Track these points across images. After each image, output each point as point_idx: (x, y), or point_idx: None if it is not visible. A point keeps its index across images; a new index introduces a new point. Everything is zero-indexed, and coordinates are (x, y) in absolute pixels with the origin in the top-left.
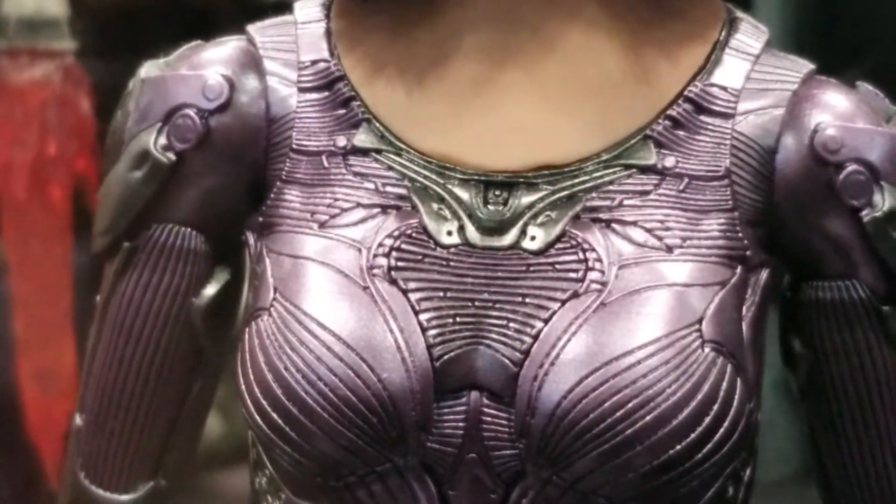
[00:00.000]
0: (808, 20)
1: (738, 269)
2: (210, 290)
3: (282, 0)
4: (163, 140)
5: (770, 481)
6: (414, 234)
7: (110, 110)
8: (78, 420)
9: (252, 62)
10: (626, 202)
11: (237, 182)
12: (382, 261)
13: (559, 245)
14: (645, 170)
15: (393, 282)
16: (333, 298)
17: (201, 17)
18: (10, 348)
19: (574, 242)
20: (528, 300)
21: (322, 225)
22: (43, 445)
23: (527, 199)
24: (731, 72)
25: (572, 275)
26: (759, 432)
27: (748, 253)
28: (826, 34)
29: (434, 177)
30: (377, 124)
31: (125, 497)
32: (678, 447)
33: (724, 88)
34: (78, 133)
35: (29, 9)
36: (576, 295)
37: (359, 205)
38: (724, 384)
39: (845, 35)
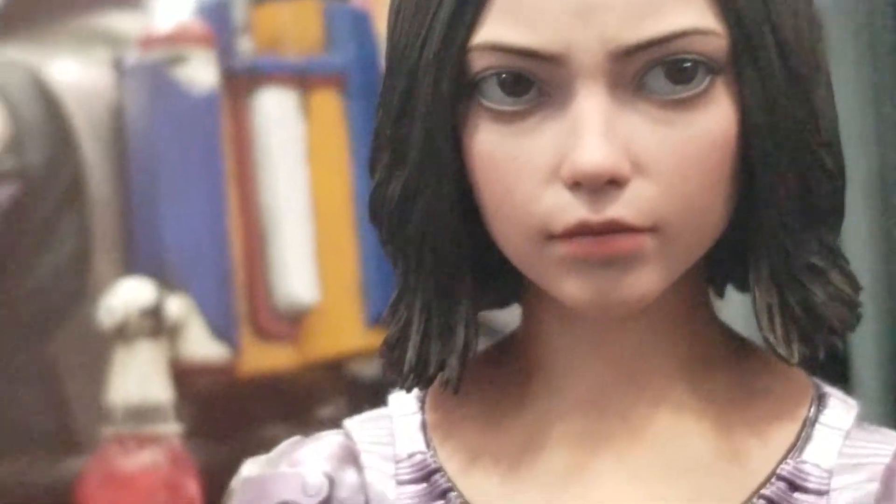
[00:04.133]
0: None
1: None
2: None
3: (379, 375)
4: None
5: None
6: None
7: (218, 491)
8: None
9: (350, 457)
10: None
11: None
12: None
13: None
14: None
15: None
16: None
17: (300, 395)
18: None
19: None
20: None
21: None
22: None
23: None
24: (822, 448)
25: None
26: None
27: None
28: None
29: None
30: None
31: None
32: None
33: (817, 465)
34: None
35: (134, 395)
36: None
37: None
38: None
39: None
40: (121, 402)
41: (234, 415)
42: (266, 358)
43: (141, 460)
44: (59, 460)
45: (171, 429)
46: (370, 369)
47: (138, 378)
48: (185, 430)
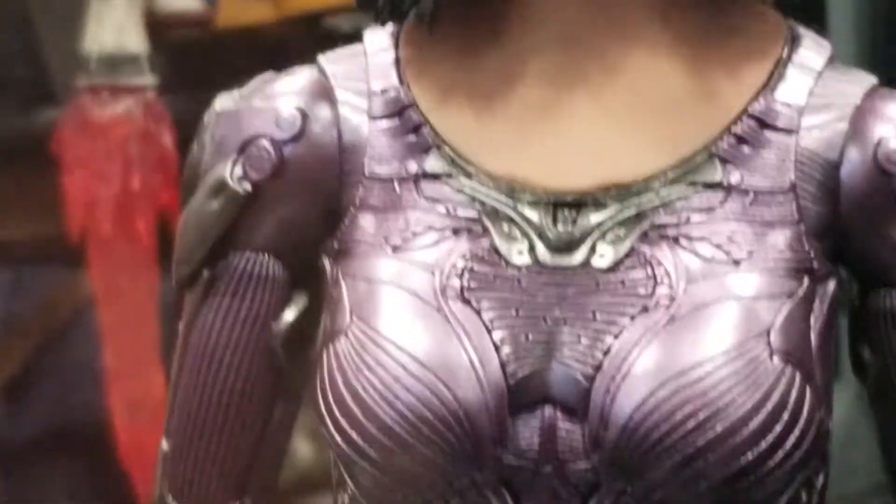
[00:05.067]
0: (882, 35)
1: (805, 281)
2: (289, 314)
3: (357, 28)
4: (238, 171)
5: (853, 492)
6: (485, 255)
7: (192, 143)
8: (165, 445)
9: (323, 92)
10: (693, 218)
11: (312, 209)
12: (455, 282)
13: (628, 262)
14: (711, 186)
15: (466, 302)
16: (408, 320)
17: (278, 49)
18: (101, 379)
19: (642, 259)
20: (598, 316)
21: (396, 249)
22: (135, 472)
23: (595, 218)
24: (794, 88)
25: (641, 290)
26: (830, 440)
27: (815, 264)
28: None
29: (504, 198)
30: (447, 149)
31: None
32: (749, 456)
33: (788, 104)
34: (161, 166)
35: (109, 46)
36: (645, 310)
37: (431, 228)
38: (794, 392)
39: None
40: (95, 52)
41: (210, 68)
42: (243, 11)
43: (115, 110)
44: (35, 109)
45: (146, 80)
46: (348, 23)
47: (114, 28)
48: (161, 82)
